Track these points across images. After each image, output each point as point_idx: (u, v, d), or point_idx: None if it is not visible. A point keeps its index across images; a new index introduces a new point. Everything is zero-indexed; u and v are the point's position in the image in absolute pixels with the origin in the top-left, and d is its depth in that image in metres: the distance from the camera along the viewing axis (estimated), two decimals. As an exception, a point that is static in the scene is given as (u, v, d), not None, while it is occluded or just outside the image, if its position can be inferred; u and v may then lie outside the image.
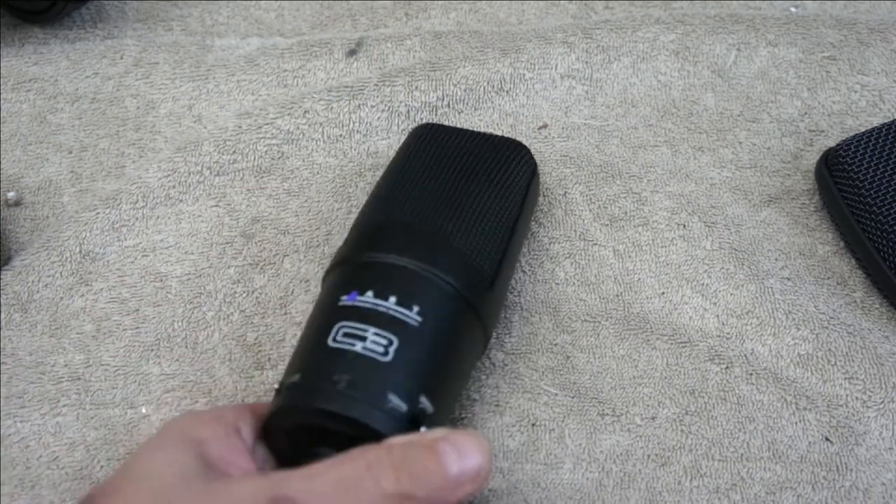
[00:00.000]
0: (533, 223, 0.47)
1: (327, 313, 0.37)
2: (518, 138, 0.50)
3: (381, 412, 0.35)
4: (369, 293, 0.37)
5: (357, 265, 0.39)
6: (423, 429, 0.35)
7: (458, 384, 0.39)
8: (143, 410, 0.43)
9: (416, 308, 0.37)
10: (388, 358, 0.36)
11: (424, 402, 0.36)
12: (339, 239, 0.47)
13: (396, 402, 0.35)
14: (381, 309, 0.37)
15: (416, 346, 0.36)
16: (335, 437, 0.35)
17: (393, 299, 0.37)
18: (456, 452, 0.33)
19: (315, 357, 0.36)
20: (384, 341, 0.36)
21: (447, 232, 0.39)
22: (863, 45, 0.52)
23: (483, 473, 0.34)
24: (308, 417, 0.36)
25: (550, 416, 0.43)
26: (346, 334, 0.36)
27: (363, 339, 0.36)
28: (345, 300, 0.37)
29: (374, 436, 0.34)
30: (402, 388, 0.35)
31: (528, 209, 0.44)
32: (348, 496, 0.32)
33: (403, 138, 0.50)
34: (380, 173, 0.49)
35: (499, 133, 0.50)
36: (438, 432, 0.34)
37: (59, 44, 0.54)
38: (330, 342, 0.36)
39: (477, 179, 0.42)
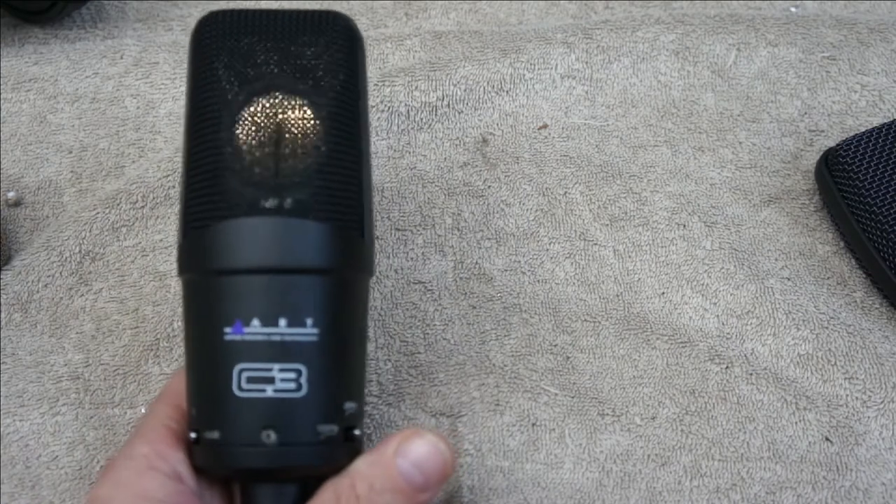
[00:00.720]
0: (533, 223, 0.47)
1: (218, 353, 0.33)
2: (518, 139, 0.50)
3: (317, 446, 0.33)
4: (255, 322, 0.33)
5: (215, 273, 0.34)
6: (356, 431, 0.35)
7: (365, 353, 0.37)
8: (143, 410, 0.43)
9: (309, 321, 0.33)
10: (303, 392, 0.33)
11: (349, 406, 0.35)
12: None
13: (327, 429, 0.34)
14: (275, 339, 0.33)
15: (324, 363, 0.34)
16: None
17: (283, 322, 0.33)
18: (416, 468, 0.33)
19: (227, 410, 0.33)
20: (292, 375, 0.33)
21: (288, 190, 0.33)
22: (863, 45, 0.52)
23: (447, 463, 0.34)
24: (245, 475, 0.35)
25: (551, 415, 0.43)
26: (250, 379, 0.33)
27: (271, 380, 0.33)
28: (230, 334, 0.33)
29: (320, 470, 0.34)
30: (325, 412, 0.34)
31: (362, 97, 0.37)
32: None
33: (403, 138, 0.50)
34: (380, 173, 0.49)
35: (498, 133, 0.50)
36: (391, 446, 0.34)
37: (59, 44, 0.54)
38: (236, 391, 0.33)
39: (290, 96, 0.35)
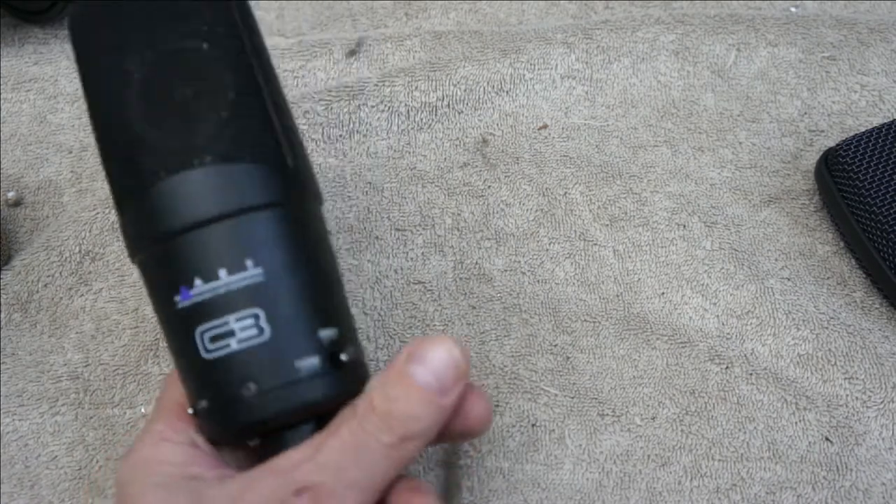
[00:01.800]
0: (533, 223, 0.47)
1: (176, 323, 0.33)
2: (518, 139, 0.50)
3: (303, 383, 0.33)
4: (198, 282, 0.32)
5: (152, 243, 0.33)
6: (342, 356, 0.34)
7: (334, 280, 0.36)
8: (143, 410, 0.43)
9: (249, 263, 0.33)
10: (267, 335, 0.32)
11: (326, 333, 0.33)
12: (338, 238, 0.47)
13: (307, 362, 0.33)
14: (221, 291, 0.32)
15: (280, 298, 0.33)
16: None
17: (223, 273, 0.32)
18: (424, 367, 0.33)
19: (205, 377, 0.33)
20: (250, 321, 0.32)
21: (198, 143, 0.33)
22: (863, 45, 0.52)
23: (460, 365, 0.33)
24: (244, 433, 0.34)
25: (550, 416, 0.43)
26: (212, 339, 0.33)
27: (231, 333, 0.32)
28: (181, 301, 0.33)
29: (316, 405, 0.33)
30: (298, 347, 0.33)
31: (248, 32, 0.36)
32: (359, 461, 0.32)
33: (403, 138, 0.50)
34: (379, 173, 0.49)
35: (498, 133, 0.50)
36: (402, 356, 0.33)
37: (59, 44, 0.54)
38: (204, 354, 0.33)
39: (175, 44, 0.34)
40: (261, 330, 0.32)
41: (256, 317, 0.32)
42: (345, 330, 0.34)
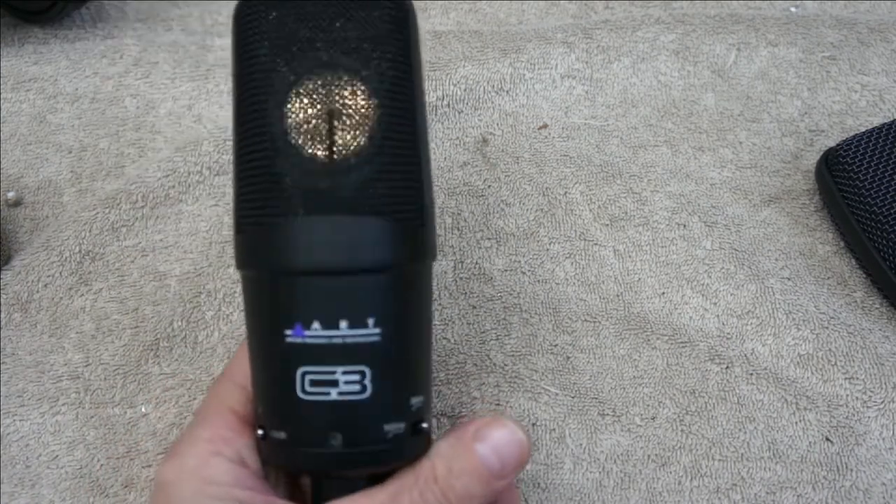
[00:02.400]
0: (533, 223, 0.47)
1: (279, 355, 0.33)
2: (518, 139, 0.50)
3: (385, 445, 0.33)
4: (316, 325, 0.32)
5: (275, 273, 0.33)
6: (423, 424, 0.34)
7: (430, 345, 0.35)
8: (143, 409, 0.43)
9: (370, 321, 0.32)
10: (368, 393, 0.32)
11: (416, 401, 0.34)
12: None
13: (394, 428, 0.33)
14: (336, 341, 0.32)
15: (388, 363, 0.33)
16: None
17: (344, 324, 0.32)
18: (492, 448, 0.33)
19: (291, 412, 0.33)
20: (356, 377, 0.32)
21: (349, 189, 0.32)
22: (863, 45, 0.52)
23: (524, 452, 0.34)
24: (313, 474, 0.34)
25: (551, 416, 0.43)
26: (313, 382, 0.32)
27: (335, 383, 0.32)
28: (291, 336, 0.32)
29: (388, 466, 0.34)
30: (391, 411, 0.33)
31: (417, 73, 0.34)
32: None
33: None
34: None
35: (498, 133, 0.50)
36: (469, 430, 0.34)
37: (59, 44, 0.54)
38: (300, 394, 0.32)
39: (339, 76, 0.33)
40: (363, 388, 0.32)
41: (363, 374, 0.32)
42: (428, 398, 0.35)
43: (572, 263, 0.46)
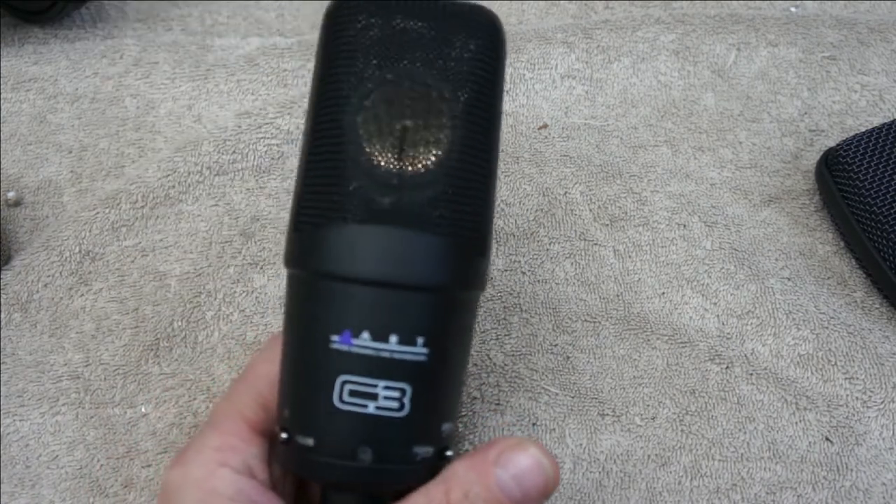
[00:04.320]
0: (533, 223, 0.47)
1: (321, 359, 0.32)
2: (518, 139, 0.50)
3: (411, 466, 0.32)
4: (365, 335, 0.31)
5: (329, 276, 0.32)
6: (449, 452, 0.33)
7: (466, 373, 0.35)
8: (143, 409, 0.43)
9: (420, 340, 0.32)
10: (405, 412, 0.32)
11: (447, 427, 0.33)
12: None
13: (423, 451, 0.32)
14: (384, 355, 0.31)
15: (429, 385, 0.32)
16: None
17: (394, 339, 0.31)
18: (512, 475, 0.31)
19: (324, 420, 0.32)
20: (396, 394, 0.32)
21: (410, 191, 0.31)
22: (863, 45, 0.52)
23: (549, 479, 0.32)
24: (333, 487, 0.34)
25: (551, 415, 0.43)
26: (352, 392, 0.31)
27: (374, 397, 0.31)
28: (337, 342, 0.31)
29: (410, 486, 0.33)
30: (424, 434, 0.32)
31: (498, 106, 0.34)
32: None
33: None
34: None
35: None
36: (491, 454, 0.32)
37: (59, 44, 0.54)
38: (337, 403, 0.31)
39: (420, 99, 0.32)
40: (401, 406, 0.32)
41: (404, 392, 0.32)
42: (455, 426, 0.34)
43: (572, 263, 0.46)
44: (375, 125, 0.32)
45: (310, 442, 0.32)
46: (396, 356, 0.31)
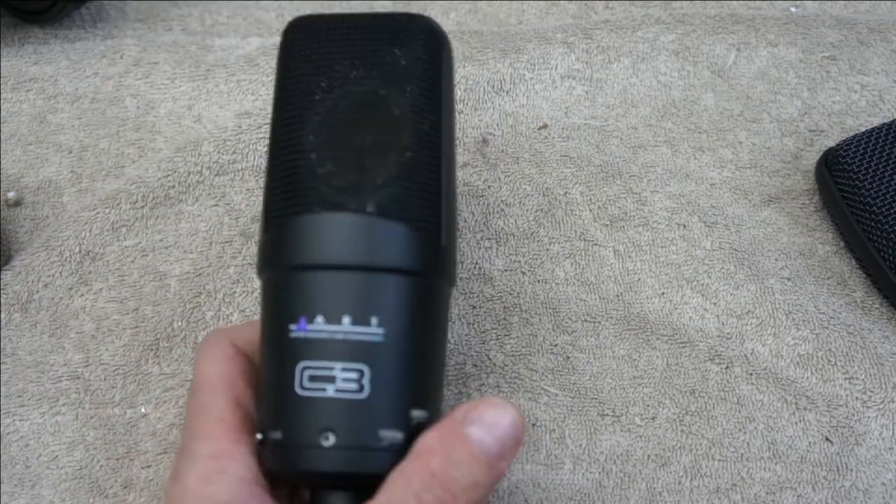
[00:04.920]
0: (533, 223, 0.47)
1: (282, 350, 0.33)
2: (518, 139, 0.50)
3: (379, 452, 0.32)
4: (319, 319, 0.32)
5: (287, 269, 0.34)
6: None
7: (440, 364, 0.36)
8: (143, 410, 0.43)
9: (374, 320, 0.32)
10: (365, 393, 0.32)
11: (417, 414, 0.33)
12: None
13: (390, 435, 0.32)
14: (338, 337, 0.32)
15: (388, 365, 0.33)
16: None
17: (347, 320, 0.32)
18: (485, 429, 0.31)
19: (289, 409, 0.33)
20: (354, 375, 0.32)
21: (365, 190, 0.33)
22: (863, 45, 0.52)
23: (518, 427, 0.32)
24: (305, 477, 0.34)
25: (551, 416, 0.43)
26: (311, 378, 0.32)
27: (332, 379, 0.32)
28: (295, 331, 0.33)
29: (379, 476, 0.33)
30: (389, 417, 0.32)
31: (446, 101, 0.36)
32: None
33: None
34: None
35: (498, 133, 0.50)
36: (458, 416, 0.32)
37: (59, 44, 0.54)
38: (298, 390, 0.32)
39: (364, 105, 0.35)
40: (361, 387, 0.32)
41: (361, 373, 0.32)
42: (434, 416, 0.34)
43: (572, 263, 0.46)
44: (328, 136, 0.34)
45: (278, 435, 0.33)
46: (351, 337, 0.32)
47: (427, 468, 0.31)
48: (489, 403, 0.32)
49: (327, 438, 0.32)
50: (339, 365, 0.32)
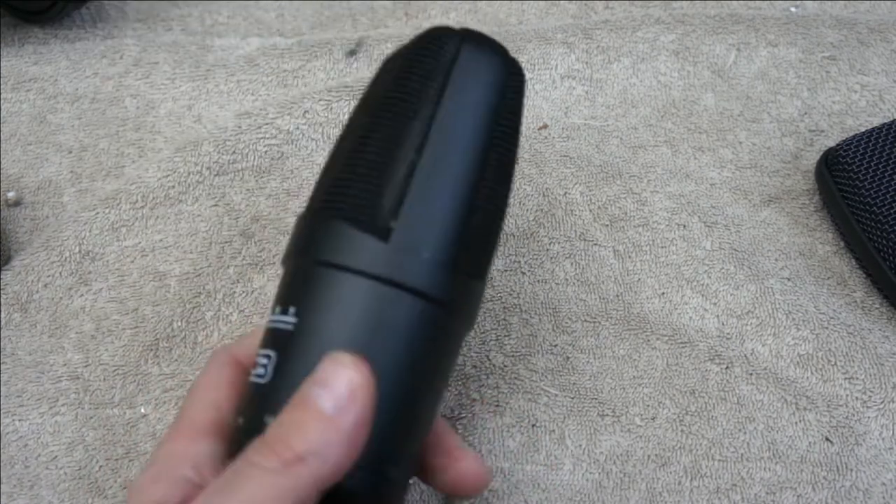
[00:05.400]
0: (532, 223, 0.47)
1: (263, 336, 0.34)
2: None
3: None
4: (277, 310, 0.33)
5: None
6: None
7: (393, 377, 0.33)
8: (142, 410, 0.43)
9: (291, 309, 0.32)
10: (266, 378, 0.32)
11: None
12: (338, 239, 0.47)
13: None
14: (270, 325, 0.33)
15: (294, 354, 0.31)
16: None
17: (278, 309, 0.32)
18: (320, 387, 0.30)
19: (245, 397, 0.33)
20: (264, 360, 0.32)
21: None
22: (863, 45, 0.52)
23: (351, 382, 0.30)
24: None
25: (550, 416, 0.43)
26: (256, 364, 0.33)
27: (254, 365, 0.33)
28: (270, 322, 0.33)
29: None
30: (276, 409, 0.31)
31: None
32: (234, 491, 0.29)
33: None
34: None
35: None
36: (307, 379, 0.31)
37: (59, 44, 0.54)
38: (252, 377, 0.33)
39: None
40: (265, 372, 0.32)
41: (269, 358, 0.32)
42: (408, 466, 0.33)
43: (572, 264, 0.46)
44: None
45: (240, 421, 0.32)
46: (271, 325, 0.33)
47: (262, 440, 0.30)
48: (322, 363, 0.31)
49: (237, 421, 0.32)
50: (261, 351, 0.33)
